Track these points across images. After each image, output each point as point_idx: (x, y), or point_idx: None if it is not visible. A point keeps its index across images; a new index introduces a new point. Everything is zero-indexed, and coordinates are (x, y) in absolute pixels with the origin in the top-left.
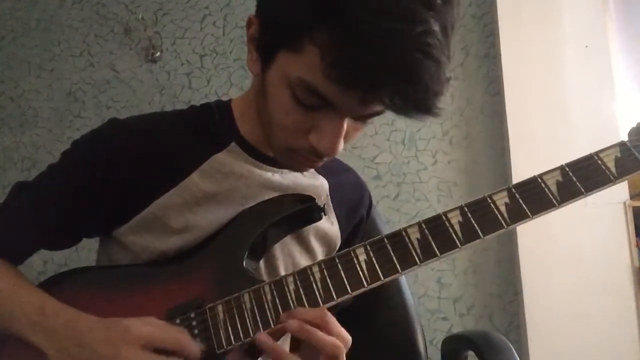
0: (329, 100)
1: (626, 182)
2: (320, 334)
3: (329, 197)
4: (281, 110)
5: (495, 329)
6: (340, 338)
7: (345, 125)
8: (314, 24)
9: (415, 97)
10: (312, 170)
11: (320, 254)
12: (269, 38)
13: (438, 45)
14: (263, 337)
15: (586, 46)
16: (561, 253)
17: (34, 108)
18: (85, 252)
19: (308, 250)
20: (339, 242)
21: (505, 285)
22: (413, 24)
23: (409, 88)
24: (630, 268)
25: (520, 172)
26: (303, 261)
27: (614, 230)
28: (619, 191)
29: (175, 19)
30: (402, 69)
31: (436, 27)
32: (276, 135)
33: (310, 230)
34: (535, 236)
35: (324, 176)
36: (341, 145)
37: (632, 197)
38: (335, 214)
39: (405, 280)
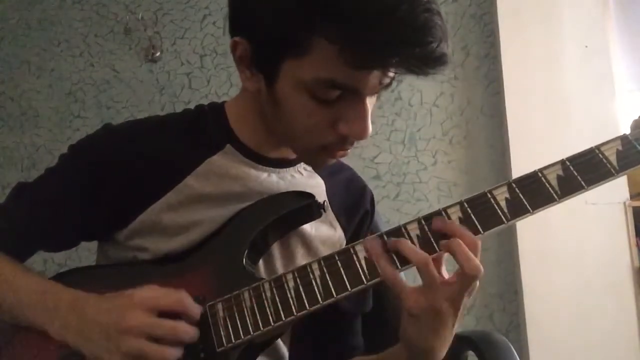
0: (350, 87)
1: (626, 182)
2: (468, 251)
3: (327, 198)
4: (303, 114)
5: (495, 329)
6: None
7: (368, 105)
8: (316, 20)
9: (432, 51)
10: (310, 169)
11: None
12: (268, 53)
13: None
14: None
15: (586, 46)
16: (561, 253)
17: (34, 108)
18: (85, 252)
19: (310, 254)
20: (343, 245)
21: (505, 285)
22: None
23: (427, 46)
24: (630, 268)
25: (521, 172)
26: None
27: (614, 230)
28: (619, 191)
29: (175, 19)
30: (418, 30)
31: None
32: (303, 140)
33: (313, 237)
34: (535, 236)
35: (320, 176)
36: (371, 125)
37: (632, 197)
38: (335, 216)
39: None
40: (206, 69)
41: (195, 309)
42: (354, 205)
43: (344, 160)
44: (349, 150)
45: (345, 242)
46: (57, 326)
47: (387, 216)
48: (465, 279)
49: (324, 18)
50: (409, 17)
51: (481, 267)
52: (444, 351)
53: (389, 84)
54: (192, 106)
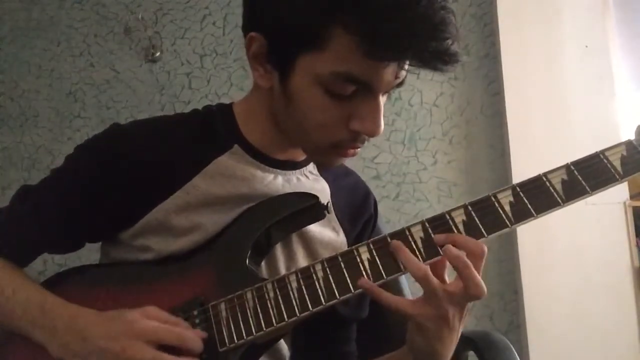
0: (366, 81)
1: (626, 182)
2: (473, 270)
3: (331, 202)
4: (316, 110)
5: (495, 329)
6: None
7: (381, 102)
8: (335, 11)
9: (447, 48)
10: (316, 173)
11: None
12: (284, 48)
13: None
14: (364, 281)
15: (586, 46)
16: (561, 253)
17: (34, 108)
18: (85, 252)
19: (310, 257)
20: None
21: (505, 285)
22: None
23: (443, 42)
24: (630, 268)
25: (520, 172)
26: None
27: (614, 230)
28: (619, 191)
29: (175, 19)
30: (436, 26)
31: None
32: (314, 137)
33: (315, 240)
34: (535, 236)
35: (326, 181)
36: (383, 123)
37: (632, 197)
38: (339, 220)
39: (405, 280)
40: (206, 69)
41: (196, 343)
42: (358, 209)
43: (347, 163)
44: (358, 149)
45: (347, 247)
46: (55, 346)
47: (387, 216)
48: (467, 295)
49: (344, 9)
50: (428, 12)
51: (484, 287)
52: (450, 353)
53: (402, 83)
54: (192, 106)
